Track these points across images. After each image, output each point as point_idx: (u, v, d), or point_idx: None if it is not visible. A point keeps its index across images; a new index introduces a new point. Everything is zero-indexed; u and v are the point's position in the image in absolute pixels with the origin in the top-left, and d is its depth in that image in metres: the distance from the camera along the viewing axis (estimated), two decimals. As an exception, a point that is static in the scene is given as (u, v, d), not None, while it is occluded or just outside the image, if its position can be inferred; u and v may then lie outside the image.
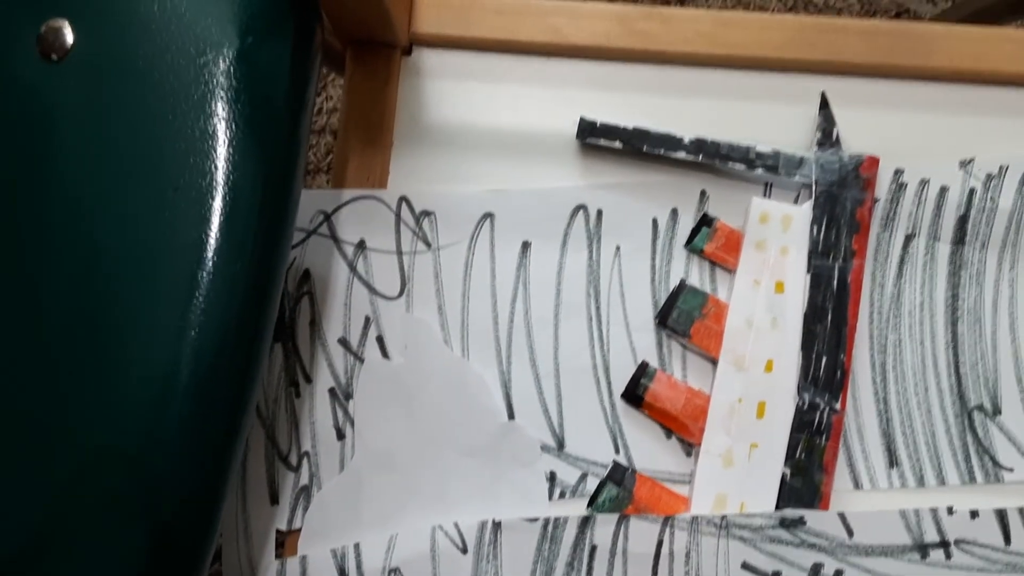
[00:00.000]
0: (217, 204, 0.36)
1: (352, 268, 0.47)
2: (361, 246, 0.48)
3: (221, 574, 0.45)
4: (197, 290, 0.35)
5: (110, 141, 0.37)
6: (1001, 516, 0.43)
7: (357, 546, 0.44)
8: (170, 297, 0.35)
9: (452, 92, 0.50)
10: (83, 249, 0.36)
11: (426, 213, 0.48)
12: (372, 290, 0.47)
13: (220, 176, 0.36)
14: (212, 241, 0.35)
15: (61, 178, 0.37)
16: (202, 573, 0.36)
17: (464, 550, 0.44)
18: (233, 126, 0.37)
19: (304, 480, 0.46)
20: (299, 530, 0.45)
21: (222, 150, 0.37)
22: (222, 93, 0.37)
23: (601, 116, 0.48)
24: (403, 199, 0.48)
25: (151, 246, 0.36)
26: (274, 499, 0.46)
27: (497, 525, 0.44)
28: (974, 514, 0.43)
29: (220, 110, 0.37)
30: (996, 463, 0.45)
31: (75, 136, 0.37)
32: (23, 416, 0.35)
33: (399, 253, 0.48)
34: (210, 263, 0.35)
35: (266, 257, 0.37)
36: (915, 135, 0.48)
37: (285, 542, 0.45)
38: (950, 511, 0.44)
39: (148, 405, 0.34)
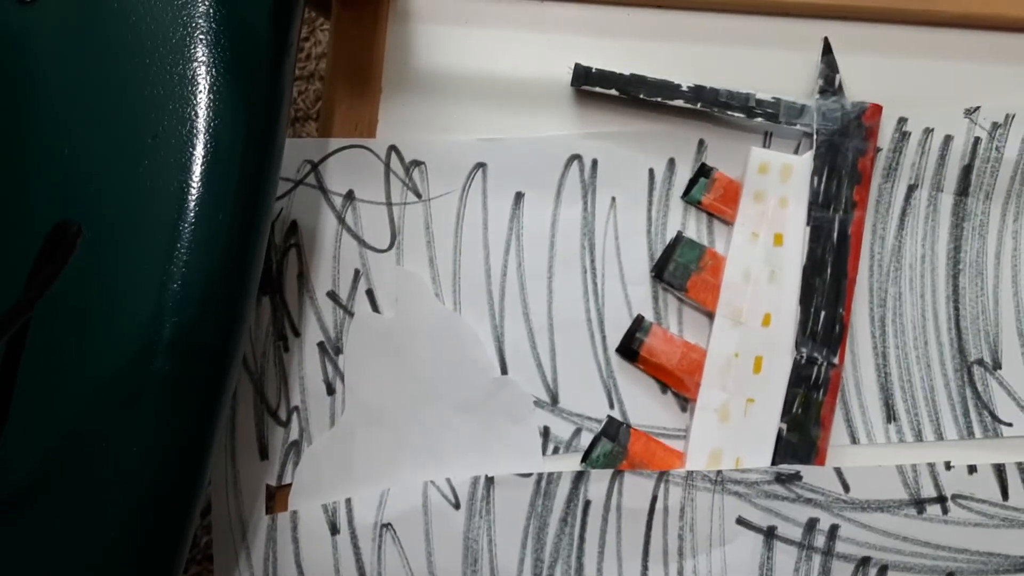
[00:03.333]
0: (198, 152, 0.35)
1: (340, 219, 0.46)
2: (350, 197, 0.46)
3: (211, 527, 0.45)
4: (178, 241, 0.34)
5: (86, 87, 0.36)
6: (999, 471, 0.43)
7: (349, 501, 0.44)
8: (150, 249, 0.34)
9: (443, 37, 0.48)
10: (60, 199, 0.35)
11: (416, 163, 0.47)
12: (361, 242, 0.46)
13: (201, 123, 0.35)
14: (193, 190, 0.34)
15: (37, 125, 0.36)
16: (188, 535, 0.35)
17: (457, 505, 0.43)
18: (213, 71, 0.35)
19: (294, 435, 0.45)
20: (289, 485, 0.45)
21: (202, 96, 0.35)
22: (202, 36, 0.36)
23: (597, 62, 0.46)
24: (392, 148, 0.47)
25: (130, 196, 0.34)
26: (263, 454, 0.45)
27: (490, 480, 0.43)
28: (972, 469, 0.43)
29: (200, 54, 0.36)
30: (995, 418, 0.44)
31: (50, 82, 0.36)
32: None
33: (389, 204, 0.46)
34: (191, 213, 0.34)
35: (250, 206, 0.35)
36: (920, 82, 0.47)
37: (275, 497, 0.45)
38: (948, 466, 0.43)
39: (130, 360, 0.33)
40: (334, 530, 0.44)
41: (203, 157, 0.35)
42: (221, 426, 0.36)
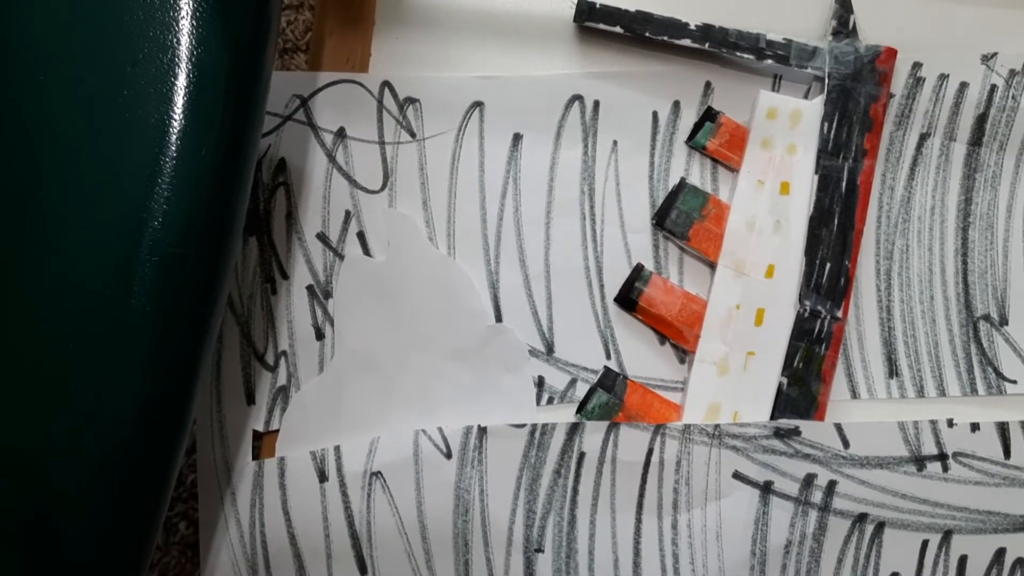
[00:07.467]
0: (180, 81, 0.33)
1: (331, 158, 0.44)
2: (341, 134, 0.44)
3: (196, 466, 0.44)
4: (159, 176, 0.32)
5: (62, 11, 0.34)
6: (1002, 429, 0.42)
7: (337, 448, 0.43)
8: (129, 184, 0.32)
9: (440, -33, 0.46)
10: (34, 129, 0.33)
11: (411, 100, 0.45)
12: (352, 182, 0.44)
13: (183, 51, 0.33)
14: (175, 122, 0.32)
15: (9, 51, 0.34)
16: (170, 478, 0.34)
17: (448, 455, 0.42)
18: (197, -6, 0.33)
19: (282, 380, 0.44)
20: (276, 431, 0.44)
21: (185, 22, 0.33)
22: (184, -43, 0.34)
23: (601, -2, 0.44)
24: (386, 84, 0.45)
25: (108, 128, 0.32)
26: (250, 399, 0.44)
27: (483, 430, 0.42)
28: (975, 427, 0.42)
29: (182, -24, 0.33)
30: (1000, 375, 0.43)
31: (25, 5, 0.34)
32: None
33: (381, 143, 0.45)
34: (173, 147, 0.32)
35: (235, 140, 0.34)
36: (936, 25, 0.45)
37: (262, 443, 0.44)
38: (950, 423, 0.42)
39: (107, 301, 0.32)
40: (322, 477, 0.43)
41: (185, 88, 0.33)
42: (205, 370, 0.35)
